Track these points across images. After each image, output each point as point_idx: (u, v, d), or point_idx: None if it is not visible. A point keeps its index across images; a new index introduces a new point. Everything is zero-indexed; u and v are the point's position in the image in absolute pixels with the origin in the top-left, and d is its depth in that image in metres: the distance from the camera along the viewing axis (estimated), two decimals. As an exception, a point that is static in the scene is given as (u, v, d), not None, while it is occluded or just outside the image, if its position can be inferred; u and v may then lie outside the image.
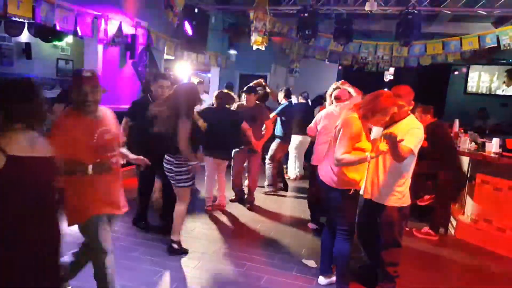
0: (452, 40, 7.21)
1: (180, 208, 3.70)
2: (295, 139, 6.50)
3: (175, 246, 3.72)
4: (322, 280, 3.39)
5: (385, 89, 3.11)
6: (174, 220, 3.71)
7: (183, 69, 8.02)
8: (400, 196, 3.03)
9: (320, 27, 6.98)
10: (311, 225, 4.80)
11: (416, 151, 2.91)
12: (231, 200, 5.51)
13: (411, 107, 3.08)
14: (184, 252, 3.76)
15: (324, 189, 3.13)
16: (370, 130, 3.17)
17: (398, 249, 3.16)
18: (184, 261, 3.65)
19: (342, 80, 4.32)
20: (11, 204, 1.71)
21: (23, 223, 1.75)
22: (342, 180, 2.97)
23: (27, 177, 1.74)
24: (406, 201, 3.09)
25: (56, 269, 2.00)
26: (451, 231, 4.99)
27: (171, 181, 3.66)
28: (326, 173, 3.07)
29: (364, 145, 2.90)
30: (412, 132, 2.91)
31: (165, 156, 3.62)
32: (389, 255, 3.15)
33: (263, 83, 5.90)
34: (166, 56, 7.56)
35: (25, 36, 7.67)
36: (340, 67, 10.16)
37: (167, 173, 3.66)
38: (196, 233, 4.38)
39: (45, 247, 1.87)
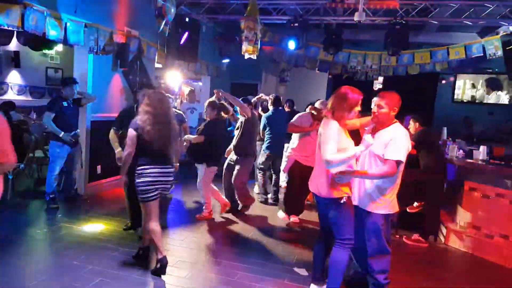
0: (439, 49, 7.38)
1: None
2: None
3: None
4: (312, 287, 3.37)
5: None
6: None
7: (174, 78, 8.03)
8: (386, 203, 3.05)
9: (310, 37, 7.08)
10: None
11: (403, 158, 2.91)
12: (227, 211, 5.49)
13: (393, 113, 3.04)
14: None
15: (318, 202, 3.15)
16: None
17: (387, 256, 3.17)
18: (175, 270, 3.61)
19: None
20: None
21: None
22: (333, 189, 2.98)
23: None
24: (393, 208, 3.11)
25: None
26: (441, 238, 5.03)
27: (164, 193, 3.55)
28: (317, 185, 3.08)
29: (346, 144, 2.96)
30: (395, 143, 2.91)
31: (164, 167, 3.46)
32: (378, 262, 3.15)
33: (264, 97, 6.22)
34: (157, 65, 7.56)
35: (13, 45, 7.62)
36: (330, 76, 10.27)
37: (164, 186, 3.48)
38: (188, 242, 4.35)
39: None
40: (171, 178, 3.55)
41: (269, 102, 6.38)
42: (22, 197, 5.60)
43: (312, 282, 3.39)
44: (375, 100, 3.06)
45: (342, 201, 3.00)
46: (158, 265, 3.40)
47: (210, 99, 5.21)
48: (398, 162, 2.88)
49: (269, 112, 6.23)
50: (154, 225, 3.41)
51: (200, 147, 4.95)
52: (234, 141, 5.41)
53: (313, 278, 3.39)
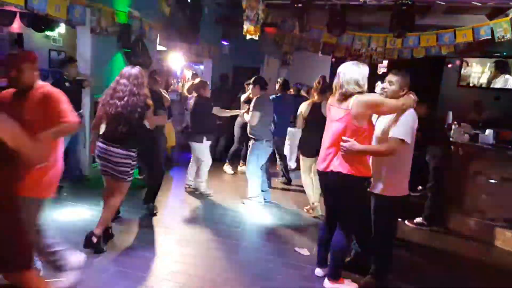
0: (446, 32, 7.22)
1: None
2: (290, 131, 6.49)
3: (95, 239, 3.35)
4: (319, 272, 3.34)
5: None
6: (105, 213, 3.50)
7: (176, 60, 7.97)
8: (394, 185, 3.01)
9: (313, 18, 6.95)
10: None
11: (408, 138, 2.86)
12: None
13: (402, 93, 2.97)
14: (101, 250, 3.41)
15: (342, 182, 2.93)
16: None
17: (391, 239, 3.16)
18: (179, 248, 3.65)
19: None
20: None
21: None
22: (364, 166, 2.90)
23: None
24: (402, 191, 3.06)
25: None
26: (444, 221, 5.02)
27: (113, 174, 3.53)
28: (343, 163, 2.90)
29: None
30: (400, 122, 2.86)
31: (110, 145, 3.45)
32: (382, 245, 3.14)
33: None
34: (159, 47, 7.49)
35: (17, 27, 7.57)
36: (333, 59, 10.13)
37: (106, 164, 3.49)
38: (190, 221, 4.38)
39: None
40: (117, 160, 3.41)
41: (277, 85, 6.35)
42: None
43: (317, 266, 3.37)
44: (388, 76, 3.02)
45: (366, 183, 2.93)
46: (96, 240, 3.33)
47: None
48: (402, 141, 2.83)
49: (274, 96, 6.19)
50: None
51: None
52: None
53: (318, 262, 3.37)
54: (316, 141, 4.62)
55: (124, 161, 3.42)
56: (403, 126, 2.85)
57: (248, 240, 4.07)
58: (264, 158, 5.11)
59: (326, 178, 3.05)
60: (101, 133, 3.53)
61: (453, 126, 5.48)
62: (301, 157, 5.01)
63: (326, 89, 4.63)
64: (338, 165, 2.90)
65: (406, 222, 4.90)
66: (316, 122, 4.54)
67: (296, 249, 3.84)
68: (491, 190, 4.58)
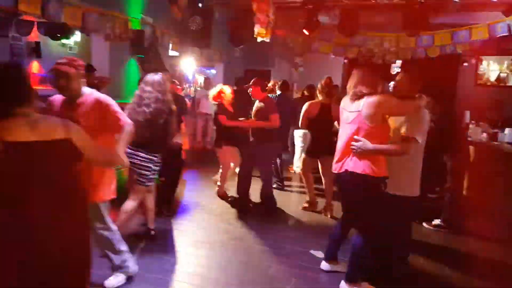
0: (461, 30, 7.10)
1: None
2: (299, 132, 6.42)
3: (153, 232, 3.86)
4: (324, 265, 3.39)
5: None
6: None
7: (188, 65, 8.04)
8: (405, 185, 2.99)
9: (325, 19, 6.93)
10: None
11: (420, 138, 2.84)
12: None
13: (412, 91, 2.96)
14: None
15: (357, 182, 2.88)
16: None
17: (406, 240, 3.11)
18: (193, 250, 3.67)
19: None
20: (13, 195, 1.59)
21: (38, 218, 1.63)
22: (379, 166, 2.84)
23: (23, 164, 1.61)
24: (413, 191, 3.02)
25: (78, 269, 1.84)
26: (463, 223, 4.90)
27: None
28: (358, 163, 2.86)
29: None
30: (412, 121, 2.85)
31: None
32: (403, 248, 3.11)
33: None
34: (171, 53, 7.57)
35: (34, 36, 7.75)
36: (345, 60, 10.06)
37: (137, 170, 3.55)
38: (204, 223, 4.40)
39: (63, 244, 1.72)
40: (139, 162, 3.48)
41: (277, 86, 6.35)
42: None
43: (324, 259, 3.41)
44: (398, 75, 3.03)
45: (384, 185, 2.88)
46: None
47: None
48: (414, 141, 2.81)
49: (274, 97, 6.16)
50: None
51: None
52: None
53: (326, 256, 3.41)
54: (321, 142, 4.75)
55: (146, 164, 3.48)
56: (415, 126, 2.84)
57: (262, 243, 4.04)
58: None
59: (341, 179, 3.02)
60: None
61: (470, 126, 5.38)
62: (304, 156, 5.02)
63: (333, 90, 4.70)
64: (353, 166, 2.87)
65: (424, 224, 4.80)
66: (323, 123, 4.60)
67: (312, 251, 3.81)
68: (511, 190, 4.47)
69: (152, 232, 3.84)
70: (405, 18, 6.13)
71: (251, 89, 4.94)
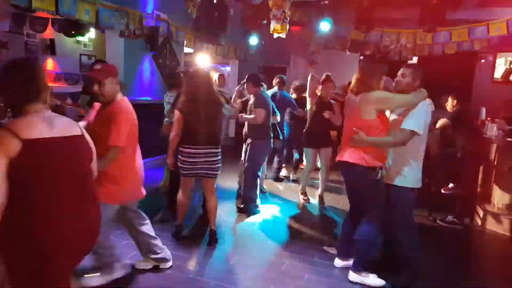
0: (478, 26, 6.96)
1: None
2: None
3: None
4: (338, 262, 3.42)
5: None
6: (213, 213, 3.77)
7: (203, 62, 8.05)
8: (405, 177, 2.99)
9: (340, 16, 6.88)
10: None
11: (419, 130, 2.85)
12: None
13: (415, 84, 2.98)
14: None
15: (354, 172, 3.01)
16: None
17: (416, 231, 3.10)
18: (205, 247, 3.69)
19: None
20: (36, 192, 1.58)
21: (55, 212, 1.64)
22: (373, 156, 2.93)
23: (46, 161, 1.60)
24: (415, 183, 3.02)
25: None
26: (477, 220, 4.85)
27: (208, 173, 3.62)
28: (353, 153, 2.98)
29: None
30: (413, 113, 2.88)
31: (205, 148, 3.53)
32: (405, 234, 3.09)
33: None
34: (186, 49, 7.61)
35: (49, 33, 7.87)
36: (361, 57, 9.97)
37: (203, 166, 3.54)
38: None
39: (79, 240, 1.73)
40: (215, 159, 3.54)
41: (274, 82, 6.20)
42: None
43: (337, 256, 3.43)
44: (401, 70, 3.06)
45: (374, 173, 2.95)
46: (175, 229, 3.80)
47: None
48: (412, 132, 2.84)
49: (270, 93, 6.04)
50: (180, 196, 3.70)
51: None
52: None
53: (338, 253, 3.44)
54: (320, 135, 4.99)
55: (219, 157, 3.60)
56: (414, 118, 2.87)
57: (275, 239, 4.04)
58: (264, 158, 4.96)
59: (341, 168, 3.16)
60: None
61: (486, 122, 5.29)
62: (304, 148, 5.18)
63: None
64: (349, 156, 2.99)
65: (437, 220, 4.75)
66: (322, 117, 4.85)
67: (325, 247, 3.80)
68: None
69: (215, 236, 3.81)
70: (422, 13, 6.05)
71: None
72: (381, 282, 3.11)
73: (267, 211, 4.85)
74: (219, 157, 3.59)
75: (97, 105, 2.83)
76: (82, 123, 2.60)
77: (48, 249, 1.60)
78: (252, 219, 4.56)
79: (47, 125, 1.64)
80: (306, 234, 4.25)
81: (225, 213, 4.63)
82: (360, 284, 3.12)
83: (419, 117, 2.88)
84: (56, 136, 1.65)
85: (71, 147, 1.71)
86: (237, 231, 4.20)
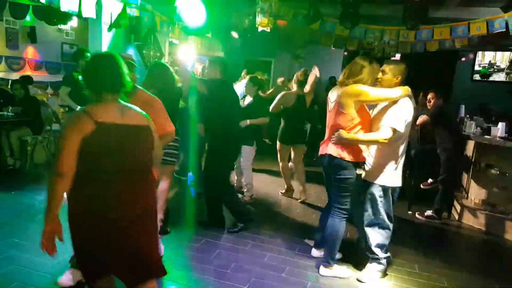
0: (460, 25, 7.10)
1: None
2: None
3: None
4: (315, 252, 3.52)
5: None
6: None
7: (187, 53, 7.98)
8: (384, 174, 3.05)
9: (326, 11, 6.91)
10: None
11: (400, 127, 2.90)
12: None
13: (396, 81, 3.06)
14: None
15: (335, 165, 3.04)
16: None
17: (385, 230, 3.17)
18: (188, 241, 3.69)
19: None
20: (100, 167, 1.82)
21: (109, 188, 1.84)
22: (355, 151, 2.99)
23: (114, 142, 1.83)
24: (392, 182, 3.09)
25: (150, 237, 2.02)
26: (455, 215, 4.99)
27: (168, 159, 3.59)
28: (335, 147, 3.02)
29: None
30: (393, 111, 2.93)
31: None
32: (375, 235, 3.18)
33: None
34: (171, 40, 7.52)
35: (29, 20, 7.67)
36: (345, 53, 10.06)
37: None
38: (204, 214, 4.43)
39: (129, 216, 1.90)
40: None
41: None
42: (41, 168, 5.79)
43: (314, 247, 3.53)
44: (382, 66, 3.11)
45: (356, 169, 3.01)
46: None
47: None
48: (393, 130, 2.88)
49: None
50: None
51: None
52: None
53: (315, 243, 3.54)
54: (295, 130, 5.04)
55: (176, 145, 3.61)
56: (394, 115, 2.91)
57: (258, 232, 4.08)
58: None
59: (322, 161, 3.19)
60: None
61: (465, 120, 5.42)
62: (279, 145, 5.17)
63: (304, 82, 4.89)
64: (330, 149, 3.03)
65: (416, 215, 4.88)
66: (297, 113, 4.94)
67: (306, 240, 3.86)
68: (503, 184, 4.53)
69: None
70: (405, 11, 6.14)
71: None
72: (349, 273, 3.24)
73: (248, 204, 4.88)
74: (177, 144, 3.56)
75: None
76: None
77: (93, 221, 1.84)
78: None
79: (119, 112, 1.87)
80: (288, 227, 4.30)
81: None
82: (332, 277, 3.20)
83: (400, 114, 2.92)
84: (125, 123, 1.87)
85: (136, 134, 1.91)
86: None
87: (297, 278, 3.17)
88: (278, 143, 5.19)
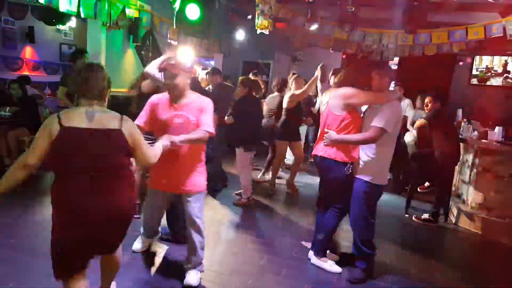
0: (457, 29, 7.13)
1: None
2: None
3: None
4: (311, 255, 3.50)
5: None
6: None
7: (187, 54, 8.00)
8: (370, 171, 3.11)
9: (325, 14, 6.94)
10: None
11: (389, 128, 2.97)
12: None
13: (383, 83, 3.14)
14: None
15: (325, 165, 3.19)
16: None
17: (370, 226, 3.22)
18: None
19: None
20: (68, 166, 1.97)
21: (77, 185, 1.97)
22: (346, 152, 3.11)
23: (79, 144, 1.96)
24: (378, 179, 3.13)
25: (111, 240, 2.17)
26: (451, 218, 5.00)
27: None
28: (327, 148, 3.17)
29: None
30: (383, 111, 3.00)
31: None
32: (360, 231, 3.23)
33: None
34: (169, 41, 7.52)
35: (28, 20, 7.67)
36: (344, 56, 10.09)
37: None
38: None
39: (95, 218, 1.99)
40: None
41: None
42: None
43: (310, 249, 3.53)
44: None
45: (346, 170, 3.12)
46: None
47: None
48: (382, 130, 2.96)
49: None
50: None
51: (234, 128, 4.69)
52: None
53: (312, 246, 3.54)
54: (291, 128, 5.23)
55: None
56: (383, 116, 2.98)
57: (255, 234, 4.08)
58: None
59: (315, 161, 3.33)
60: None
61: (462, 123, 5.44)
62: (277, 142, 5.37)
63: (282, 85, 5.37)
64: (322, 150, 3.19)
65: (413, 218, 4.89)
66: (295, 112, 5.18)
67: (303, 242, 3.86)
68: (499, 187, 4.55)
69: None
70: (404, 15, 6.17)
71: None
72: (338, 269, 3.33)
73: (246, 205, 4.89)
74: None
75: (161, 98, 2.86)
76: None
77: (62, 214, 2.00)
78: (230, 213, 4.59)
79: (87, 117, 1.99)
80: (286, 229, 4.30)
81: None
82: (319, 267, 3.34)
83: (388, 115, 2.99)
84: (91, 127, 1.98)
85: (102, 137, 2.01)
86: (215, 225, 4.21)
87: (294, 280, 3.16)
88: (278, 141, 5.36)
